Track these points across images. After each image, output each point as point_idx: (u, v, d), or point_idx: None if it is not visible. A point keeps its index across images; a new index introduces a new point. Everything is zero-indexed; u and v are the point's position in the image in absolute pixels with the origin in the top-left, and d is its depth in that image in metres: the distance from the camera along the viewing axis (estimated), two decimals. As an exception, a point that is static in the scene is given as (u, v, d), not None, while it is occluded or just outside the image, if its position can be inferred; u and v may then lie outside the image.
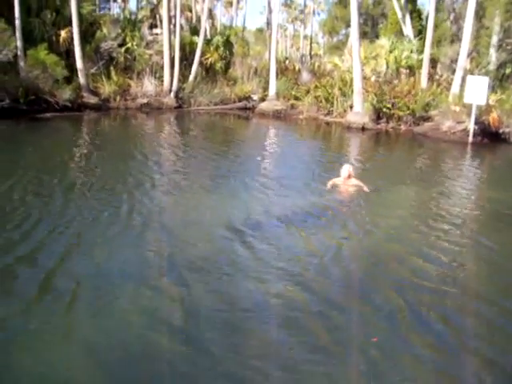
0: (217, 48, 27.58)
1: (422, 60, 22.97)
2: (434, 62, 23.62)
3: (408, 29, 28.03)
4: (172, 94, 24.43)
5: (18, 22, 19.86)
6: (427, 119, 19.78)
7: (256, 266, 6.07)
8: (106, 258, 6.14)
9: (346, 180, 9.99)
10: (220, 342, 4.47)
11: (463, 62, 19.44)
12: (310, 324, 4.84)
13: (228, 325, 4.75)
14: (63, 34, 22.30)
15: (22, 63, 20.03)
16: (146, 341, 4.46)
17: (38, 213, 7.56)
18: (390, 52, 24.50)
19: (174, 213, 8.24)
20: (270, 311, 5.07)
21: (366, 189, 9.74)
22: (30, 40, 20.83)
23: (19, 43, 19.95)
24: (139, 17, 31.08)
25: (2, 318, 4.71)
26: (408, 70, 23.90)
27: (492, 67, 20.56)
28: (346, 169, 10.08)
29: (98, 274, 5.68)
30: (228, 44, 28.53)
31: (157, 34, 28.55)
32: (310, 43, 50.74)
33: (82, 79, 21.79)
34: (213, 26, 38.15)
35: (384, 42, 25.44)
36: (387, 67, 24.26)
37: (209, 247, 6.66)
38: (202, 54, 26.34)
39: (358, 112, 20.26)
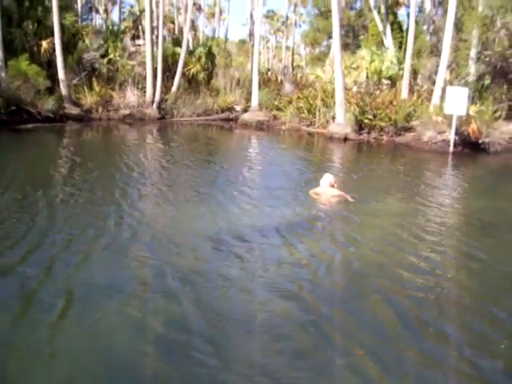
0: (199, 59, 27.69)
1: (402, 71, 23.29)
2: (414, 73, 23.93)
3: (389, 40, 28.39)
4: (155, 105, 24.42)
5: (-1, 33, 19.77)
6: (409, 129, 20.00)
7: (244, 278, 6.07)
8: (94, 270, 6.08)
9: (328, 190, 10.03)
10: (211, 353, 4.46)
11: (443, 73, 19.73)
12: (295, 333, 4.84)
13: (218, 334, 4.75)
14: (44, 44, 22.21)
15: (2, 74, 19.88)
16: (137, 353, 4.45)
17: (24, 226, 7.48)
18: (371, 62, 24.78)
19: (162, 225, 8.13)
20: (258, 323, 5.05)
21: (349, 199, 9.80)
22: (10, 50, 20.70)
23: (0, 54, 19.81)
24: (122, 28, 31.12)
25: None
26: (389, 81, 24.18)
27: (471, 79, 20.85)
28: (327, 178, 10.13)
29: (88, 287, 5.63)
30: (210, 55, 28.68)
31: (139, 45, 28.55)
32: (292, 54, 51.14)
33: (64, 90, 21.68)
34: (195, 37, 38.27)
35: (365, 53, 25.72)
36: (368, 77, 24.52)
37: (196, 259, 6.64)
38: (185, 64, 26.41)
39: (340, 123, 20.42)
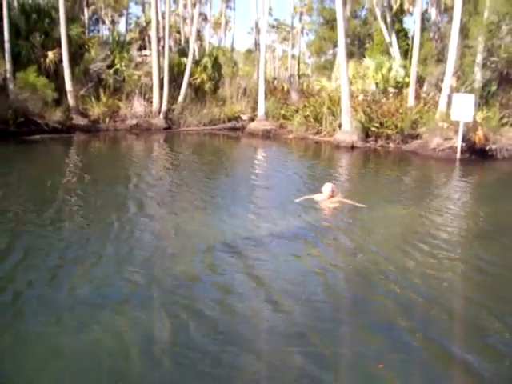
0: (205, 68, 27.78)
1: (408, 78, 23.26)
2: (420, 81, 23.89)
3: (395, 48, 28.43)
4: (161, 115, 24.52)
5: (7, 45, 19.96)
6: (415, 137, 19.95)
7: (248, 288, 6.08)
8: (100, 282, 6.15)
9: (329, 198, 10.07)
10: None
11: (449, 80, 19.68)
12: (303, 343, 4.85)
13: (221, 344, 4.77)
14: (50, 55, 22.34)
15: (11, 86, 20.06)
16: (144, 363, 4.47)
17: (25, 241, 7.53)
18: (377, 71, 24.79)
19: (170, 236, 8.20)
20: (262, 335, 5.05)
21: (347, 201, 9.96)
22: (17, 62, 20.88)
23: (8, 66, 20.01)
24: (128, 38, 31.34)
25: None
26: (395, 90, 24.16)
27: (477, 85, 20.81)
28: (328, 188, 10.16)
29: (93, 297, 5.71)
30: (216, 64, 28.76)
31: (146, 56, 28.70)
32: (298, 63, 51.23)
33: (71, 101, 21.83)
34: (201, 46, 38.44)
35: (371, 61, 25.74)
36: (376, 86, 24.54)
37: (198, 266, 6.69)
38: (191, 74, 26.52)
39: (347, 131, 20.41)
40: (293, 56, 53.78)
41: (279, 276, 6.44)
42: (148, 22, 34.52)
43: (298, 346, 4.76)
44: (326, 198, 10.07)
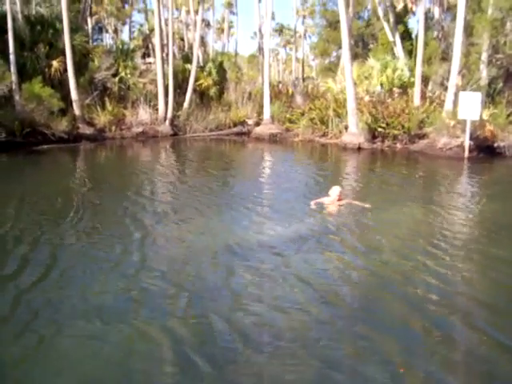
0: (210, 74, 27.80)
1: (413, 78, 23.17)
2: (425, 80, 23.79)
3: (399, 48, 28.30)
4: (167, 122, 24.53)
5: (12, 57, 20.06)
6: (422, 137, 19.88)
7: (259, 294, 6.05)
8: (108, 291, 6.16)
9: (336, 201, 10.05)
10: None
11: (455, 78, 19.59)
12: (309, 350, 4.82)
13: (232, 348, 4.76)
14: (55, 63, 22.39)
15: (17, 97, 20.14)
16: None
17: (30, 253, 7.55)
18: (383, 71, 24.72)
19: (178, 242, 8.16)
20: (274, 340, 5.02)
21: (357, 203, 10.01)
22: (22, 73, 20.96)
23: (14, 77, 20.09)
24: (132, 47, 31.34)
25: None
26: (401, 90, 24.06)
27: (483, 83, 20.70)
28: (335, 191, 10.15)
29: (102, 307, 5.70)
30: (221, 70, 28.78)
31: (150, 63, 28.79)
32: (302, 66, 51.24)
33: (77, 110, 21.89)
34: (205, 52, 38.48)
35: (375, 62, 25.66)
36: (381, 87, 24.45)
37: (206, 272, 6.71)
38: (196, 80, 26.54)
39: (354, 132, 20.36)
40: (297, 59, 53.81)
41: (287, 281, 6.43)
42: (151, 30, 34.59)
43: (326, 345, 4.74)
44: (334, 200, 10.06)
